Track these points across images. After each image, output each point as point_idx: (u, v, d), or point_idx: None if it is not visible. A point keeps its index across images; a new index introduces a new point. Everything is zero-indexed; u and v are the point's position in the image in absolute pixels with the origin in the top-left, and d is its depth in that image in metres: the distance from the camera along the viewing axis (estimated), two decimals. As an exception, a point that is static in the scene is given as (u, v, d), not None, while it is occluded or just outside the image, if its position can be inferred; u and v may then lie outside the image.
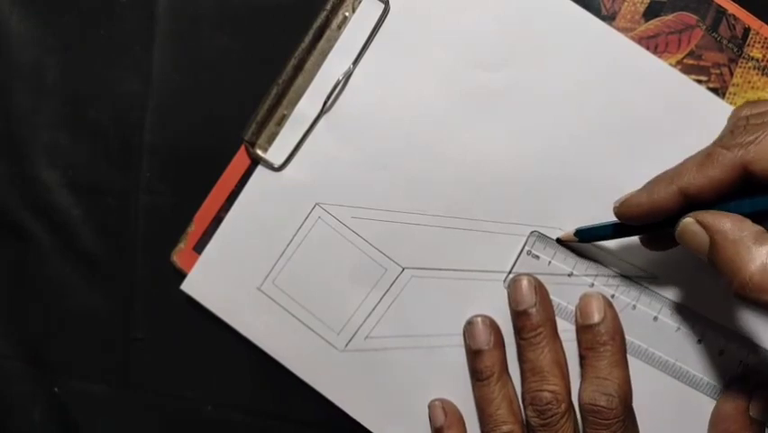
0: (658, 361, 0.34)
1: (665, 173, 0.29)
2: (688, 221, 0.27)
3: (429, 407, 0.35)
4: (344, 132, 0.35)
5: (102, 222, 0.39)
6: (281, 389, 0.38)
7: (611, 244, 0.34)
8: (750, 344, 0.33)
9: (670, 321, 0.34)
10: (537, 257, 0.34)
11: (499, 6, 0.34)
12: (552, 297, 0.34)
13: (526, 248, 0.34)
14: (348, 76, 0.34)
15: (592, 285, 0.34)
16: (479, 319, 0.34)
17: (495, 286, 0.35)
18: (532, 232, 0.34)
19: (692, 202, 0.27)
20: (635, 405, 0.33)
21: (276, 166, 0.35)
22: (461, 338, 0.35)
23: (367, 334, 0.35)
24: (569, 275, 0.34)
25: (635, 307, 0.34)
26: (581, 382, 0.33)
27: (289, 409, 0.38)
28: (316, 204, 0.35)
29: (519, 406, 0.34)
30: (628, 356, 0.33)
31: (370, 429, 0.36)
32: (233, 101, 0.37)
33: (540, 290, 0.33)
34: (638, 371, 0.33)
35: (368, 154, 0.35)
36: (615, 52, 0.34)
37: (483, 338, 0.34)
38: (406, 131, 0.35)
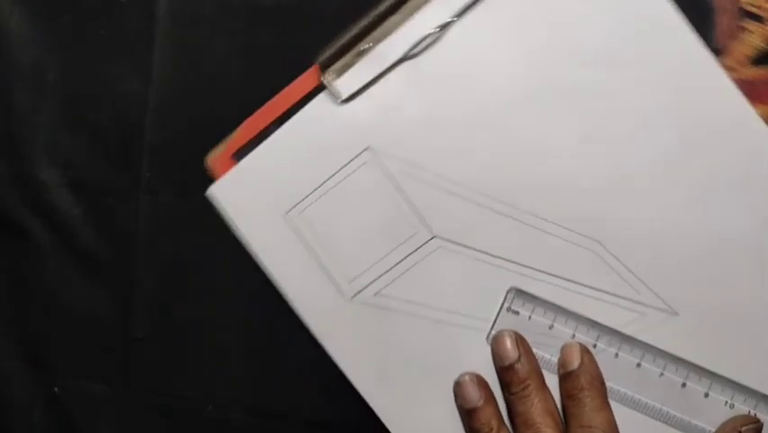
0: (644, 407, 0.33)
1: None
2: None
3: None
4: (420, 85, 0.34)
5: (102, 222, 0.39)
6: (281, 389, 0.38)
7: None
8: (734, 384, 0.33)
9: (653, 367, 0.33)
10: (517, 313, 0.34)
11: (618, 9, 0.33)
12: (535, 350, 0.34)
13: (506, 305, 0.34)
14: (444, 29, 0.33)
15: (573, 336, 0.34)
16: (466, 378, 0.34)
17: (519, 279, 0.34)
18: (510, 289, 0.34)
19: None
20: None
21: (341, 98, 0.34)
22: (468, 320, 0.34)
23: (378, 290, 0.35)
24: (549, 327, 0.34)
25: (617, 355, 0.33)
26: (568, 432, 0.33)
27: (289, 409, 0.38)
28: (368, 147, 0.34)
29: None
30: (616, 404, 0.33)
31: (356, 385, 0.35)
32: (233, 101, 0.36)
33: (522, 344, 0.33)
34: (625, 418, 0.33)
35: (436, 115, 0.34)
36: (714, 90, 0.32)
37: (474, 396, 0.33)
38: (482, 104, 0.33)
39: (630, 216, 0.33)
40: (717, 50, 0.33)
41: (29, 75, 0.39)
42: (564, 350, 0.33)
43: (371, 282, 0.35)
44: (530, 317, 0.34)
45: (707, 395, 0.33)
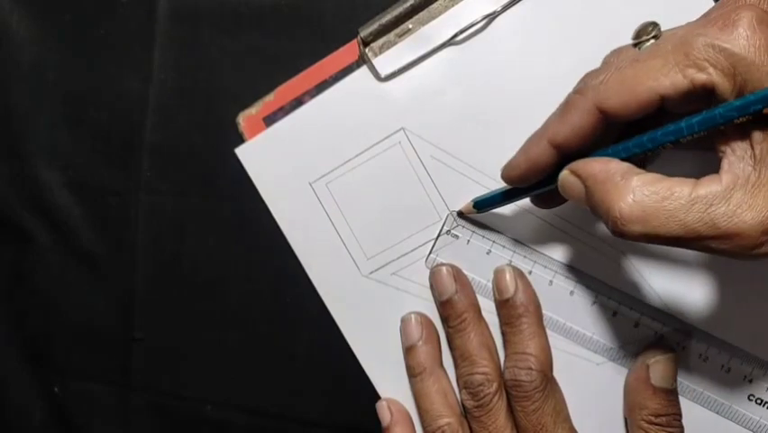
0: (575, 334, 0.34)
1: (536, 131, 0.29)
2: (563, 173, 0.27)
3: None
4: (461, 72, 0.34)
5: (102, 222, 0.39)
6: (282, 389, 0.38)
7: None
8: (663, 315, 0.33)
9: (586, 295, 0.34)
10: (457, 237, 0.34)
11: (666, 20, 0.31)
12: (472, 275, 0.34)
13: (445, 228, 0.34)
14: (489, 19, 0.33)
15: (510, 262, 0.34)
16: (412, 316, 0.35)
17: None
18: (450, 212, 0.34)
19: (566, 154, 0.27)
20: (557, 378, 0.33)
21: (381, 76, 0.34)
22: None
23: (395, 270, 0.35)
24: (487, 253, 0.34)
25: (551, 282, 0.34)
26: (505, 359, 0.34)
27: (289, 410, 0.38)
28: (402, 128, 0.34)
29: (456, 398, 0.34)
30: (548, 331, 0.34)
31: (359, 358, 0.36)
32: (233, 101, 0.36)
33: (459, 277, 0.34)
34: (556, 344, 0.34)
35: (473, 104, 0.34)
36: None
37: (415, 335, 0.34)
38: (521, 100, 0.33)
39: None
40: None
41: (29, 75, 0.39)
42: (497, 275, 0.34)
43: (389, 262, 0.35)
44: (468, 242, 0.34)
45: (637, 325, 0.33)
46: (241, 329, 0.38)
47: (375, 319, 0.35)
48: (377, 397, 0.36)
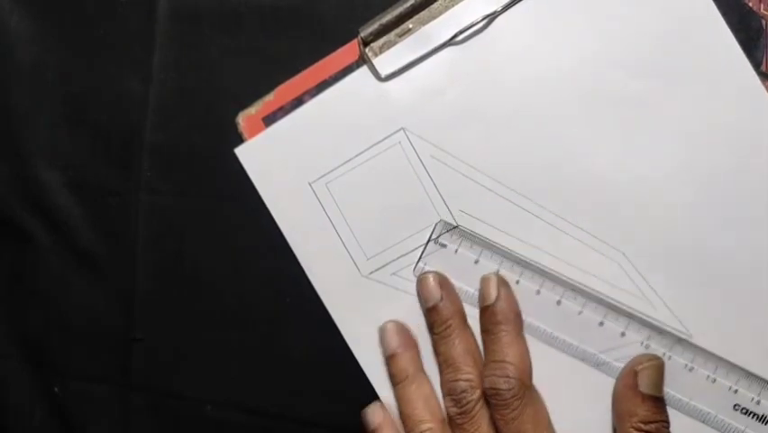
0: (562, 343, 0.34)
1: None
2: None
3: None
4: (462, 73, 0.34)
5: (102, 222, 0.39)
6: (282, 389, 0.38)
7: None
8: (649, 324, 0.33)
9: (573, 305, 0.34)
10: (444, 245, 0.35)
11: (668, 22, 0.32)
12: (459, 283, 0.34)
13: (434, 237, 0.35)
14: (489, 20, 0.33)
15: (498, 271, 0.34)
16: (389, 325, 0.35)
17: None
18: (439, 221, 0.34)
19: None
20: (542, 388, 0.33)
21: (381, 76, 0.34)
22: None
23: (395, 270, 0.35)
24: (475, 262, 0.34)
25: (538, 292, 0.34)
26: (483, 367, 0.34)
27: (289, 410, 0.38)
28: (402, 128, 0.34)
29: (438, 404, 0.34)
30: (535, 340, 0.34)
31: (358, 358, 0.36)
32: (233, 101, 0.36)
33: (445, 285, 0.34)
34: (543, 354, 0.33)
35: (474, 103, 0.34)
36: (759, 112, 0.32)
37: (394, 343, 0.34)
38: (522, 100, 0.33)
39: (658, 232, 0.33)
40: (764, 75, 0.32)
41: (29, 75, 0.39)
42: (482, 282, 0.34)
43: (389, 262, 0.35)
44: (457, 251, 0.34)
45: (623, 334, 0.33)
46: (241, 329, 0.38)
47: (375, 319, 0.35)
48: (376, 397, 0.36)
